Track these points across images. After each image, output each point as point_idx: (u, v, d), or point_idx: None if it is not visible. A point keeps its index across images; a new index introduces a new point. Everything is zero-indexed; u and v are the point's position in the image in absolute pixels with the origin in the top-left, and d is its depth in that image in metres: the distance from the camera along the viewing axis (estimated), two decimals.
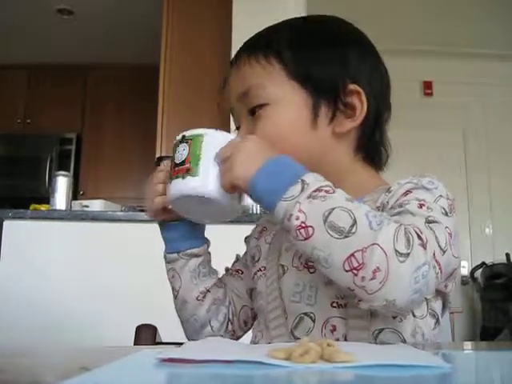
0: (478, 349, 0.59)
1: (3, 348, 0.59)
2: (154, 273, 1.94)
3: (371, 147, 0.75)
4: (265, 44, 0.74)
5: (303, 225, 0.55)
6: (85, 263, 1.98)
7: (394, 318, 0.62)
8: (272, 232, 0.78)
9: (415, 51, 3.48)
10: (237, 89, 0.74)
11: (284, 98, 0.71)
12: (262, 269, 0.75)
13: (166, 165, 0.72)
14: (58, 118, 4.60)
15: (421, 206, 0.59)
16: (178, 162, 0.66)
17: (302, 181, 0.58)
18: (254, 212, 2.05)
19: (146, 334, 0.83)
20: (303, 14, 2.52)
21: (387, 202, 0.64)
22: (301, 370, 0.39)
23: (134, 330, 0.85)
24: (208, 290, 0.78)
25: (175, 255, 0.77)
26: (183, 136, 0.68)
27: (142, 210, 2.57)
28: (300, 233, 0.56)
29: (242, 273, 0.82)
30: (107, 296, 1.94)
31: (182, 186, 0.65)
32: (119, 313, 1.89)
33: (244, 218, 1.99)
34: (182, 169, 0.65)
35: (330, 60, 0.72)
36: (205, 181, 0.64)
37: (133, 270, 1.96)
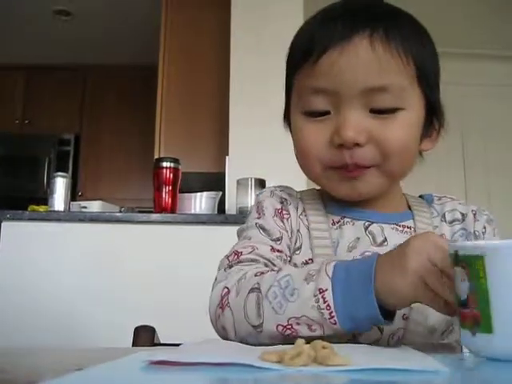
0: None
1: (2, 348, 0.59)
2: (152, 274, 1.94)
3: None
4: (407, 36, 0.63)
5: None
6: (83, 264, 1.98)
7: None
8: (298, 206, 0.72)
9: None
10: (366, 78, 0.61)
11: (414, 106, 0.65)
12: (310, 261, 0.67)
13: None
14: (57, 119, 4.61)
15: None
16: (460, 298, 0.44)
17: None
18: None
19: (145, 335, 0.83)
20: (301, 14, 2.51)
21: (475, 229, 0.72)
22: (290, 373, 0.37)
23: (133, 331, 0.85)
24: None
25: None
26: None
27: (141, 211, 2.57)
28: None
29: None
30: (106, 297, 1.94)
31: (471, 344, 0.44)
32: (118, 314, 1.89)
33: (242, 218, 1.98)
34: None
35: (438, 75, 0.69)
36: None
37: (131, 271, 1.96)
